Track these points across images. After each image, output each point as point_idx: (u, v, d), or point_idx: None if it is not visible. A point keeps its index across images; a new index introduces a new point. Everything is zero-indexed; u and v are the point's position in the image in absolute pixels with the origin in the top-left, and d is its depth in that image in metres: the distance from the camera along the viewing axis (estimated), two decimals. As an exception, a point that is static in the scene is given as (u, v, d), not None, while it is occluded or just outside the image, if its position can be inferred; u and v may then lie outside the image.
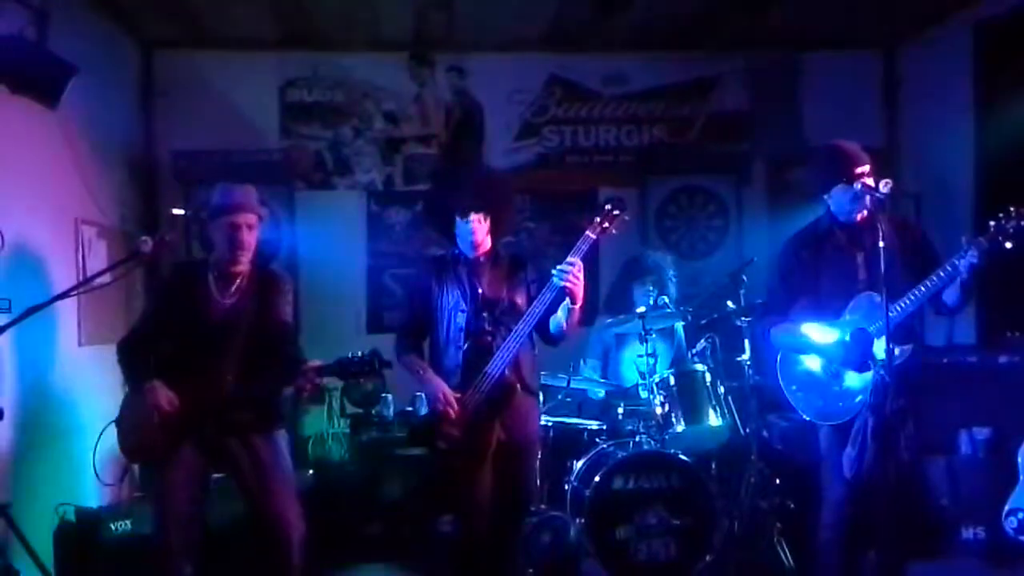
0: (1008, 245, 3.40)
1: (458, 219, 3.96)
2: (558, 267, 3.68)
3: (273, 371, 3.80)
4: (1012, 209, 3.44)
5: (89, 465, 4.01)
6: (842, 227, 3.84)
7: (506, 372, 3.82)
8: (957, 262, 3.48)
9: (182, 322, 3.86)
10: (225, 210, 3.84)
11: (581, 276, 3.67)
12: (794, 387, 3.90)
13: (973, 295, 3.67)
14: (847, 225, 3.83)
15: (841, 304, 3.77)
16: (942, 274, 3.53)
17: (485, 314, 3.93)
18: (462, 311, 3.95)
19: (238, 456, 3.85)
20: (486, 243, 4.04)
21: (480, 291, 3.97)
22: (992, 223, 3.45)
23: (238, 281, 3.92)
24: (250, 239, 3.88)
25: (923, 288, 3.56)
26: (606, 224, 3.74)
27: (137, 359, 3.89)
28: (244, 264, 3.90)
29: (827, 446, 3.81)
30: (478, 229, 3.96)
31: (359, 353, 3.73)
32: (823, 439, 3.83)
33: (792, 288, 3.90)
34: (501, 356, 3.81)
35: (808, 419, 3.87)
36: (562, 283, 3.65)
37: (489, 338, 3.89)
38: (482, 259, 4.03)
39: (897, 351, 3.47)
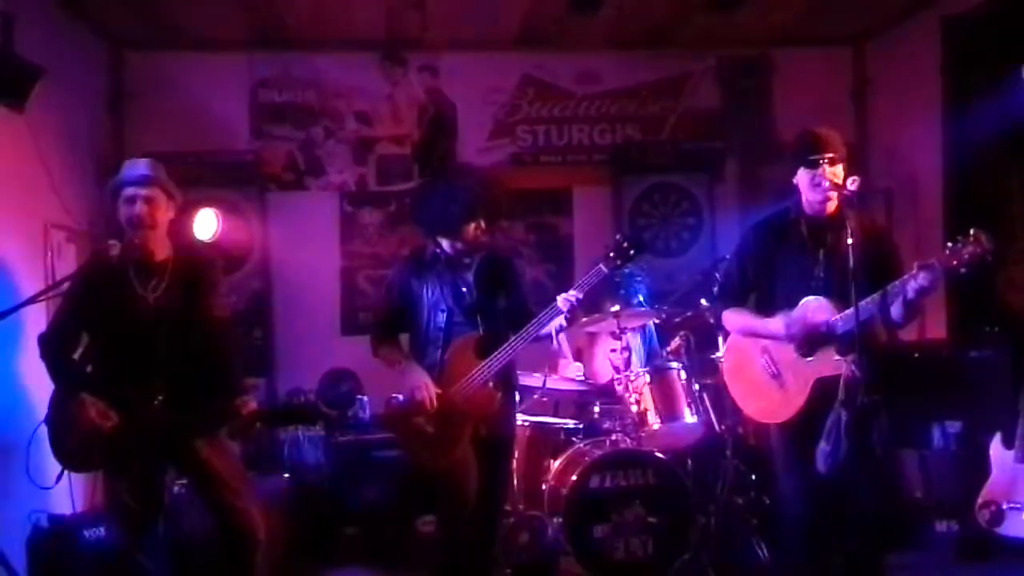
0: (963, 271, 3.30)
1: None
2: (564, 297, 3.67)
3: (207, 391, 3.55)
4: (971, 232, 3.31)
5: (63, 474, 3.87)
6: (808, 221, 3.76)
7: (490, 379, 3.80)
8: (904, 284, 3.41)
9: (104, 321, 3.57)
10: (122, 183, 3.56)
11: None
12: (737, 384, 3.93)
13: (919, 315, 3.62)
14: (813, 219, 3.75)
15: (793, 301, 3.69)
16: (889, 290, 3.47)
17: (474, 315, 3.88)
18: (442, 310, 3.89)
19: (183, 461, 3.66)
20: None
21: (464, 290, 3.91)
22: (949, 245, 3.34)
23: (161, 273, 3.59)
24: (149, 214, 3.52)
25: (868, 302, 3.48)
26: (619, 261, 3.70)
27: (60, 357, 3.62)
28: (158, 249, 3.59)
29: (777, 440, 3.81)
30: (476, 235, 3.88)
31: (294, 400, 3.65)
32: (773, 433, 3.83)
33: (746, 277, 3.90)
34: (491, 364, 3.77)
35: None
36: (564, 311, 3.67)
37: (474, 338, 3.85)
38: (466, 259, 3.95)
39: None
